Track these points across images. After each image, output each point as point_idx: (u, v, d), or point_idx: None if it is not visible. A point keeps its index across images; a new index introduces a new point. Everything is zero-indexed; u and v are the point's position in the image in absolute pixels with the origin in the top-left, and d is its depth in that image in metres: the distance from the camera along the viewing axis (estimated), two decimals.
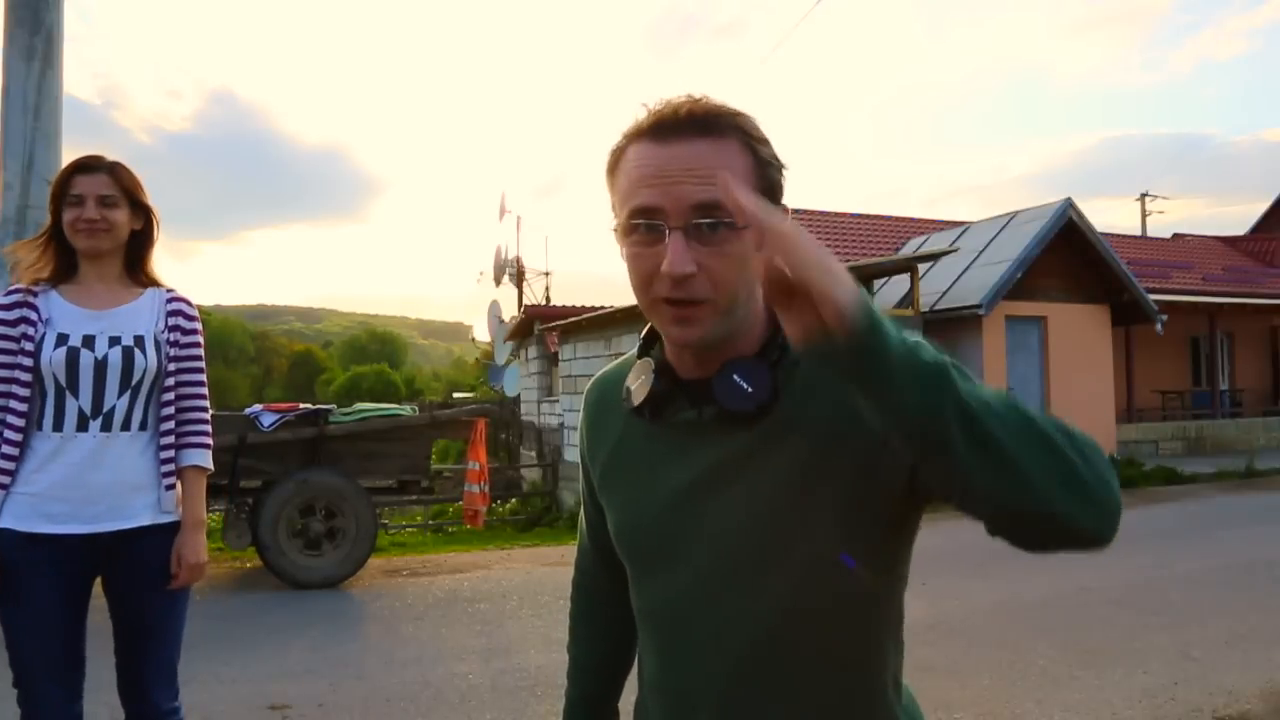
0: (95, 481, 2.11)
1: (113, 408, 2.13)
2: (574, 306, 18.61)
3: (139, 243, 2.26)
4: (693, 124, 0.92)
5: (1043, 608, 5.38)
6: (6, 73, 5.16)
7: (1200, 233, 23.55)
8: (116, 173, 2.19)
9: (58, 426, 2.11)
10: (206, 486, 2.33)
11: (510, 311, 22.65)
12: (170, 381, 2.23)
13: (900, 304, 12.67)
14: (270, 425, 6.42)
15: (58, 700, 2.10)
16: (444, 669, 4.51)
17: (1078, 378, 13.52)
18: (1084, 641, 4.75)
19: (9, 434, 2.09)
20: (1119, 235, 19.78)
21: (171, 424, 2.23)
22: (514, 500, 14.64)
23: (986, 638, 4.84)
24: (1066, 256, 13.36)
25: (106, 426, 2.13)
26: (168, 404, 2.22)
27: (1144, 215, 29.36)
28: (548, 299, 23.95)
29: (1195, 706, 3.87)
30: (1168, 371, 17.61)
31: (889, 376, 0.73)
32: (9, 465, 2.08)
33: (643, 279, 0.93)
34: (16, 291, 2.15)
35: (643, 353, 1.08)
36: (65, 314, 2.15)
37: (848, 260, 14.74)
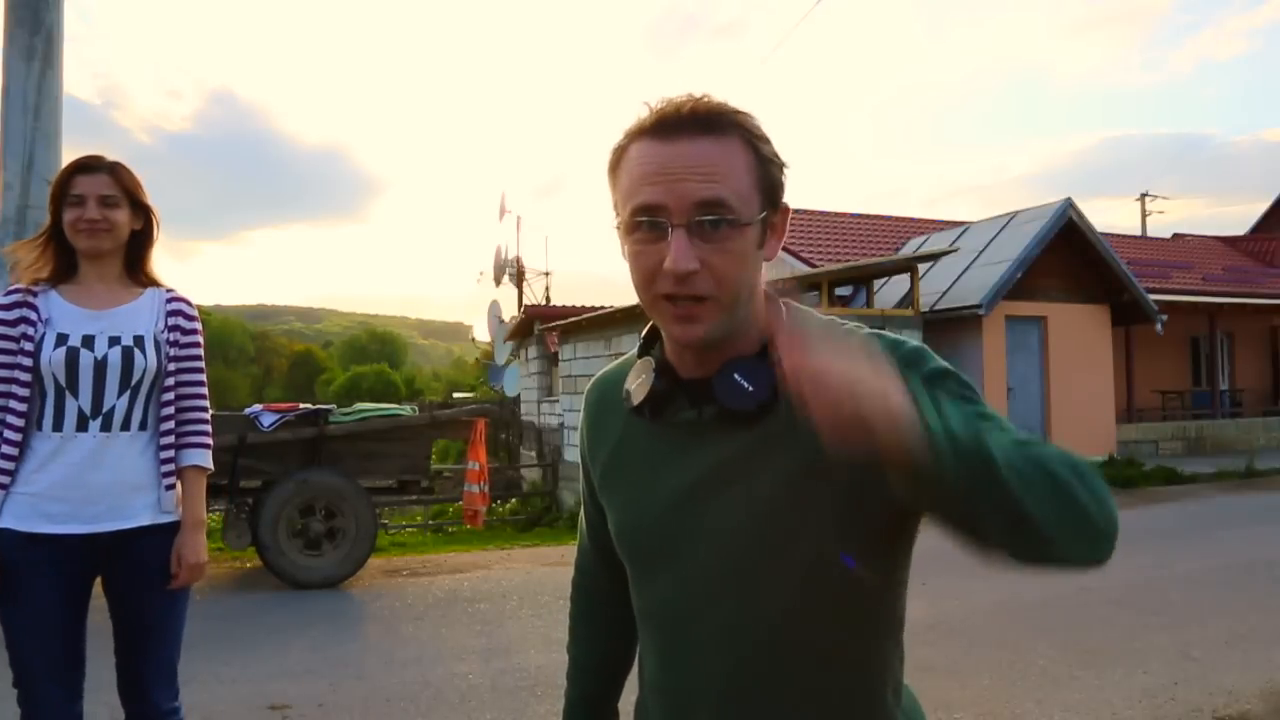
0: (95, 481, 2.11)
1: (112, 408, 2.13)
2: (574, 306, 18.61)
3: (139, 243, 2.26)
4: (695, 122, 0.92)
5: (1043, 608, 5.38)
6: (6, 73, 5.16)
7: (1200, 233, 23.56)
8: (117, 173, 2.19)
9: (57, 426, 2.11)
10: (206, 486, 2.33)
11: (510, 311, 22.66)
12: (170, 381, 2.23)
13: (900, 304, 12.67)
14: (270, 425, 6.42)
15: (58, 700, 2.10)
16: (444, 669, 4.51)
17: (1078, 378, 13.52)
18: (1084, 641, 4.75)
19: (9, 434, 2.08)
20: (1119, 235, 19.78)
21: (171, 424, 2.23)
22: (514, 500, 14.64)
23: (986, 638, 4.84)
24: (1066, 256, 13.36)
25: (106, 426, 2.13)
26: (168, 404, 2.22)
27: (1144, 215, 29.38)
28: (548, 299, 23.96)
29: (1195, 706, 3.87)
30: (1168, 371, 17.60)
31: (935, 481, 0.74)
32: (9, 465, 2.08)
33: (645, 276, 0.94)
34: (16, 291, 2.15)
35: (643, 352, 1.08)
36: (65, 314, 2.15)
37: (848, 260, 14.76)
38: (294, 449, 6.54)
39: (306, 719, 3.85)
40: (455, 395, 34.13)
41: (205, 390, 2.32)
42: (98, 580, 2.21)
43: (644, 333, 1.09)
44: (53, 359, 2.09)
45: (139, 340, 2.18)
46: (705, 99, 0.93)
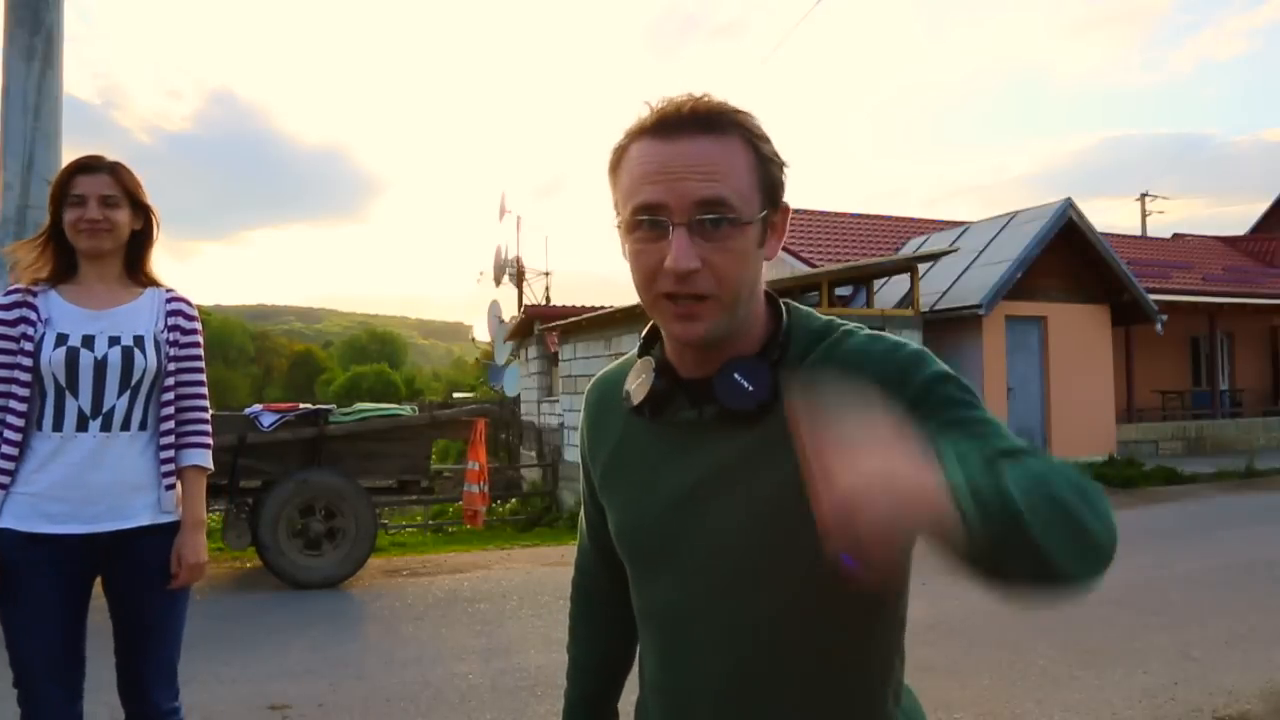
0: (95, 481, 2.11)
1: (112, 408, 2.13)
2: (574, 306, 18.61)
3: (138, 243, 2.26)
4: (696, 121, 0.92)
5: (1043, 608, 5.38)
6: (6, 73, 5.16)
7: (1200, 233, 23.55)
8: (118, 173, 2.19)
9: (57, 426, 2.11)
10: (206, 486, 2.33)
11: (510, 311, 22.66)
12: (170, 381, 2.22)
13: (900, 304, 12.67)
14: (270, 425, 6.42)
15: (58, 700, 2.10)
16: (444, 669, 4.51)
17: (1078, 378, 13.52)
18: (1084, 641, 4.75)
19: (9, 434, 2.08)
20: (1119, 235, 19.78)
21: (171, 424, 2.23)
22: (514, 500, 14.64)
23: (986, 638, 4.84)
24: (1066, 256, 13.36)
25: (106, 426, 2.13)
26: (167, 404, 2.22)
27: (1144, 215, 29.38)
28: (548, 299, 23.96)
29: (1195, 706, 3.87)
30: (1168, 371, 17.60)
31: (962, 545, 0.73)
32: (9, 465, 2.08)
33: (646, 275, 0.94)
34: (16, 291, 2.15)
35: (643, 352, 1.08)
36: (65, 314, 2.15)
37: (848, 260, 14.75)
38: (294, 449, 6.54)
39: (306, 719, 3.85)
40: (455, 395, 34.14)
41: (205, 390, 2.32)
42: (98, 580, 2.21)
43: (644, 333, 1.09)
44: (53, 359, 2.09)
45: (139, 340, 2.17)
46: (706, 98, 0.93)
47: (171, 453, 2.22)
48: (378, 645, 5.01)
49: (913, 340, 0.97)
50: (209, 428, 2.32)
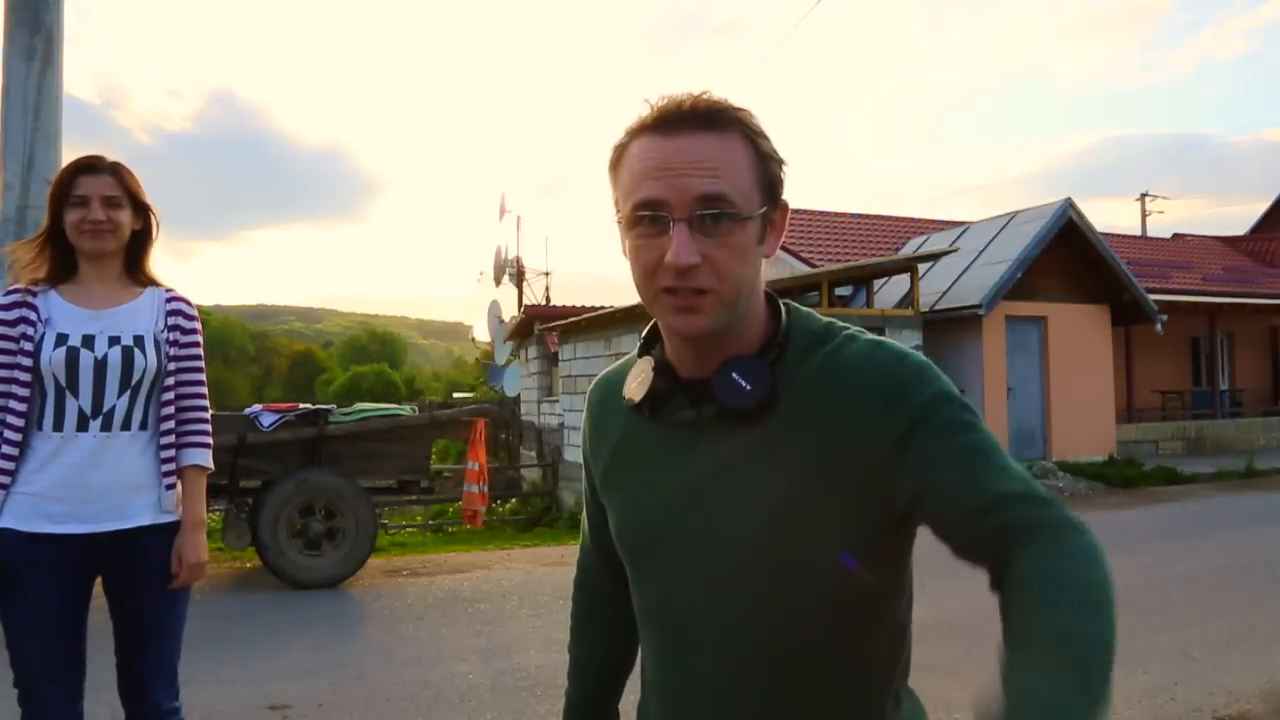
0: (95, 481, 2.10)
1: (113, 407, 2.13)
2: (574, 306, 18.62)
3: (138, 243, 2.26)
4: (696, 118, 0.92)
5: None
6: (6, 73, 5.16)
7: (1200, 233, 23.55)
8: (119, 173, 2.19)
9: (58, 426, 2.11)
10: (206, 486, 2.33)
11: (510, 311, 22.66)
12: (170, 381, 2.22)
13: (900, 304, 12.66)
14: (270, 425, 6.42)
15: (58, 700, 2.10)
16: (444, 669, 4.51)
17: (1078, 378, 13.52)
18: None
19: (9, 434, 2.08)
20: (1119, 235, 19.79)
21: (171, 423, 2.22)
22: (514, 500, 14.64)
23: (986, 638, 4.82)
24: (1066, 256, 13.36)
25: (106, 426, 2.13)
26: (168, 404, 2.22)
27: (1144, 215, 29.38)
28: (548, 299, 23.96)
29: (1195, 706, 3.87)
30: (1168, 371, 17.61)
31: None
32: (9, 465, 2.08)
33: (646, 271, 0.94)
34: (15, 291, 2.15)
35: (643, 352, 1.08)
36: (64, 314, 2.15)
37: (848, 260, 14.76)
38: (294, 449, 6.54)
39: (306, 719, 3.85)
40: (455, 395, 34.14)
41: (205, 390, 2.32)
42: (98, 580, 2.21)
43: (644, 333, 1.09)
44: (53, 359, 2.09)
45: (139, 340, 2.17)
46: (705, 95, 0.94)
47: (172, 452, 2.22)
48: (378, 645, 5.01)
49: (913, 340, 0.97)
50: (209, 427, 2.32)
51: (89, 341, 2.13)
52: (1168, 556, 7.04)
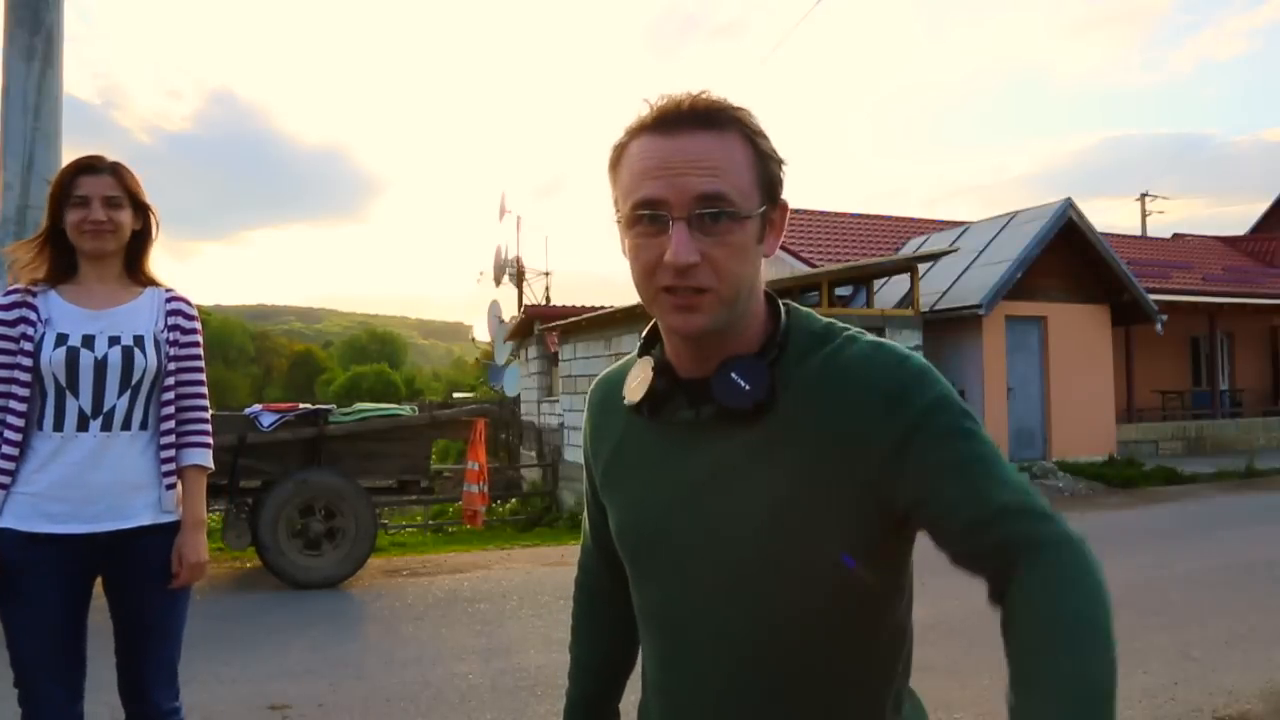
0: (95, 481, 2.10)
1: (113, 407, 2.13)
2: (574, 306, 18.62)
3: (138, 243, 2.26)
4: (695, 117, 0.92)
5: None
6: (6, 73, 5.16)
7: (1200, 233, 23.55)
8: (120, 173, 2.19)
9: (58, 426, 2.11)
10: (206, 486, 2.33)
11: (510, 311, 22.67)
12: (170, 381, 2.22)
13: (900, 304, 12.66)
14: (270, 425, 6.42)
15: (59, 700, 2.10)
16: (444, 669, 4.51)
17: (1078, 378, 13.52)
18: None
19: (9, 434, 2.08)
20: (1119, 235, 19.79)
21: (171, 423, 2.22)
22: (514, 500, 14.65)
23: (986, 638, 4.82)
24: (1066, 256, 13.36)
25: (107, 426, 2.13)
26: (168, 403, 2.22)
27: (1144, 215, 29.38)
28: (548, 299, 23.96)
29: (1195, 706, 3.87)
30: (1168, 371, 17.61)
31: None
32: (9, 465, 2.08)
33: (645, 270, 0.94)
34: (15, 292, 2.15)
35: (643, 352, 1.08)
36: (64, 314, 2.15)
37: (848, 260, 14.76)
38: (294, 449, 6.54)
39: (306, 719, 3.85)
40: (455, 395, 34.15)
41: (205, 390, 2.32)
42: (98, 580, 2.21)
43: (644, 333, 1.09)
44: (53, 359, 2.09)
45: (139, 340, 2.17)
46: (704, 95, 0.94)
47: (172, 452, 2.22)
48: (378, 645, 5.01)
49: (913, 340, 0.97)
50: (209, 427, 2.32)
51: (89, 341, 2.13)
52: (1168, 556, 7.04)
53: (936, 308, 13.07)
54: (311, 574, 6.35)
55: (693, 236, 0.90)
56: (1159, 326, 14.14)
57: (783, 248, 15.36)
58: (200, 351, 2.32)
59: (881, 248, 17.28)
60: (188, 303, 2.32)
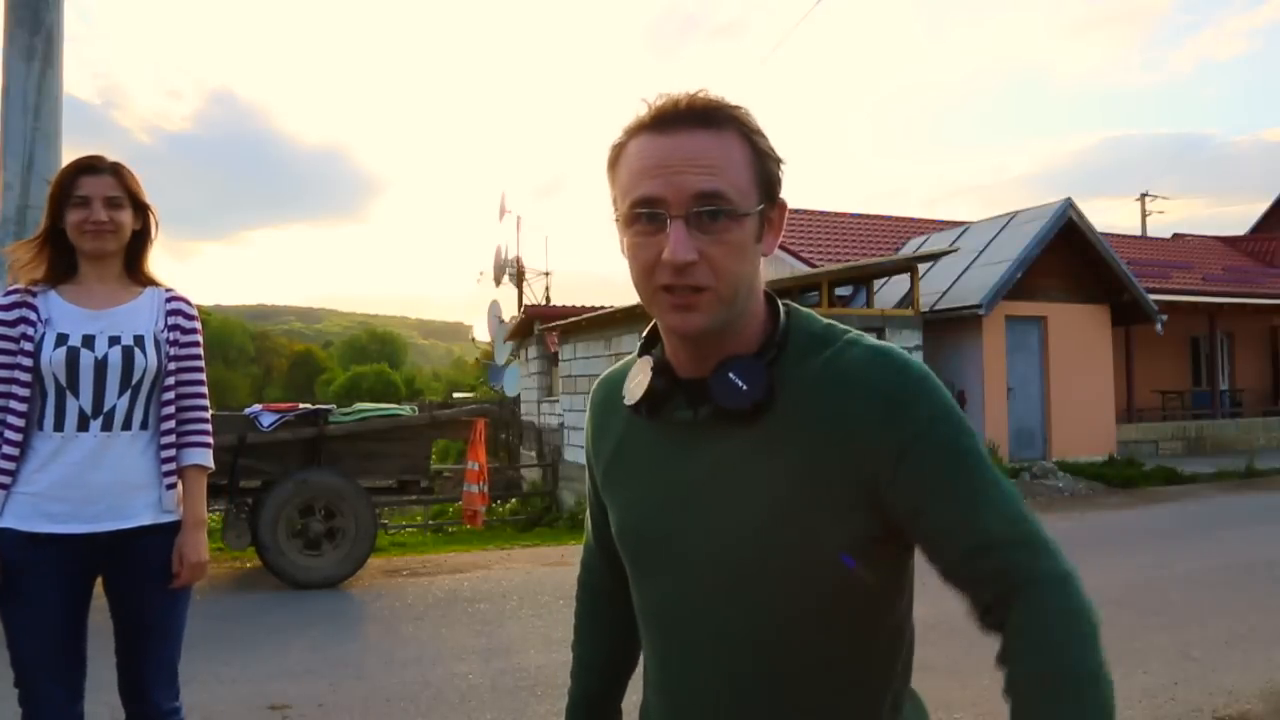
0: (95, 481, 2.10)
1: (113, 407, 2.13)
2: (574, 306, 18.62)
3: (138, 243, 2.26)
4: (693, 115, 0.93)
5: None
6: (6, 73, 5.16)
7: (1200, 233, 23.55)
8: (120, 173, 2.19)
9: (58, 426, 2.11)
10: (206, 486, 2.33)
11: (510, 311, 22.67)
12: (170, 381, 2.22)
13: (900, 304, 12.66)
14: (270, 425, 6.42)
15: (59, 700, 2.10)
16: (444, 669, 4.51)
17: (1078, 378, 13.53)
18: None
19: (9, 434, 2.08)
20: (1119, 235, 19.79)
21: (172, 423, 2.23)
22: (514, 500, 14.64)
23: (986, 638, 4.83)
24: (1066, 256, 13.36)
25: (107, 426, 2.13)
26: (168, 403, 2.22)
27: (1144, 215, 29.38)
28: (548, 299, 23.97)
29: (1195, 706, 3.87)
30: (1168, 371, 17.61)
31: None
32: (10, 465, 2.08)
33: (644, 268, 0.94)
34: (15, 292, 2.15)
35: (643, 352, 1.08)
36: (64, 314, 2.15)
37: (848, 260, 14.76)
38: (294, 449, 6.54)
39: (306, 719, 3.85)
40: (455, 395, 34.15)
41: (205, 390, 2.32)
42: (98, 580, 2.21)
43: (644, 333, 1.09)
44: (53, 359, 2.09)
45: (139, 340, 2.17)
46: (702, 93, 0.94)
47: (172, 452, 2.22)
48: (378, 645, 5.01)
49: (913, 340, 0.97)
50: (209, 427, 2.32)
51: (89, 341, 2.13)
52: (1168, 556, 7.03)
53: (936, 308, 13.07)
54: (311, 574, 6.35)
55: (691, 235, 0.90)
56: (1159, 326, 14.14)
57: (782, 247, 15.37)
58: (200, 351, 2.32)
59: (881, 248, 17.28)
60: (188, 303, 2.32)
